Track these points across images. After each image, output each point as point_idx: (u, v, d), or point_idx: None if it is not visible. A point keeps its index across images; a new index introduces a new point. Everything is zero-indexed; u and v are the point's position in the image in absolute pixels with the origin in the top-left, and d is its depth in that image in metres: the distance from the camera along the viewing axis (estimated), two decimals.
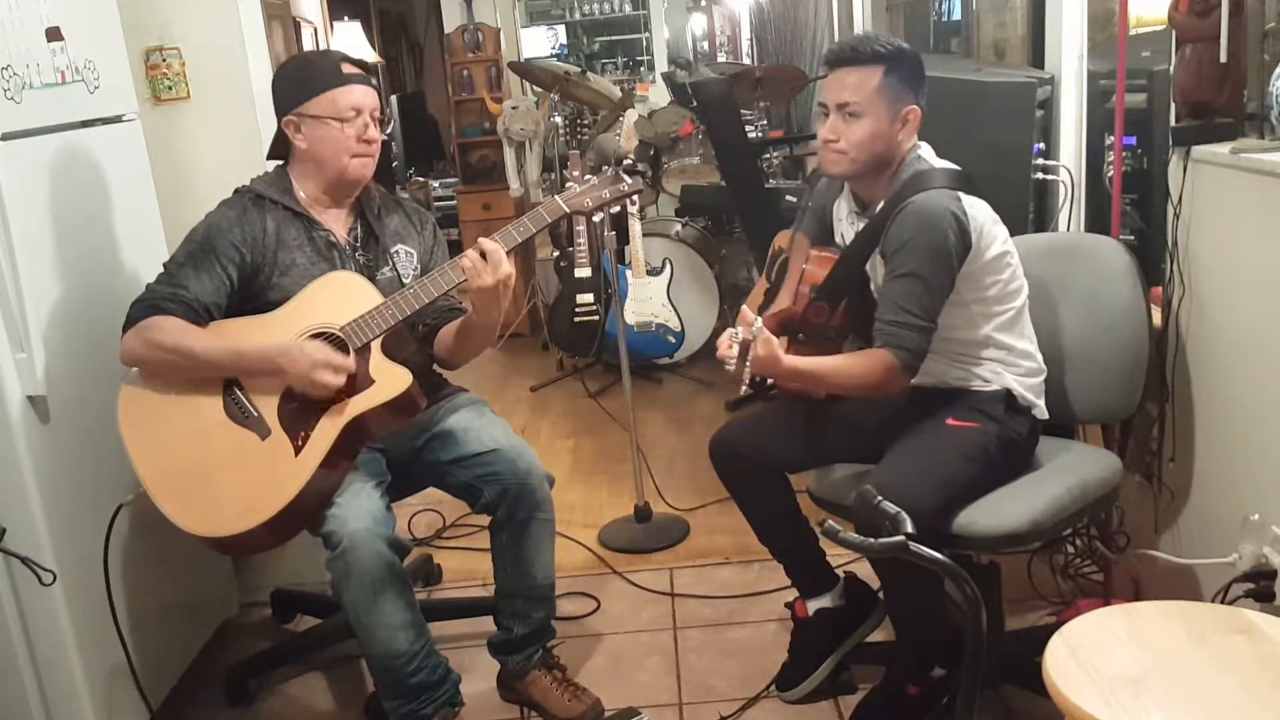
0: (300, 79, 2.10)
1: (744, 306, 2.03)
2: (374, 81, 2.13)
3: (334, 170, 2.09)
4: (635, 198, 2.19)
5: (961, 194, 1.93)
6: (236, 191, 2.13)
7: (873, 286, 2.10)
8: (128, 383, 2.02)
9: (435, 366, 2.28)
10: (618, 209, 2.15)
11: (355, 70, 2.10)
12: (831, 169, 2.04)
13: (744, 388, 1.80)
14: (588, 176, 2.12)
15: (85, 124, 2.17)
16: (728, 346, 1.85)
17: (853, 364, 1.95)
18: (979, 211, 1.94)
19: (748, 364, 1.80)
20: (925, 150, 2.03)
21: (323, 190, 2.14)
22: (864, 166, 2.00)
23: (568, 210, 2.08)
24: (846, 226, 2.13)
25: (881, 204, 2.00)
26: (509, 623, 2.26)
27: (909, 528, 1.49)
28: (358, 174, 2.11)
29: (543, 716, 2.26)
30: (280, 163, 2.19)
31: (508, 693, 2.31)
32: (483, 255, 1.96)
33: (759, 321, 1.79)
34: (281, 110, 2.09)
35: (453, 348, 2.19)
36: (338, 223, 2.16)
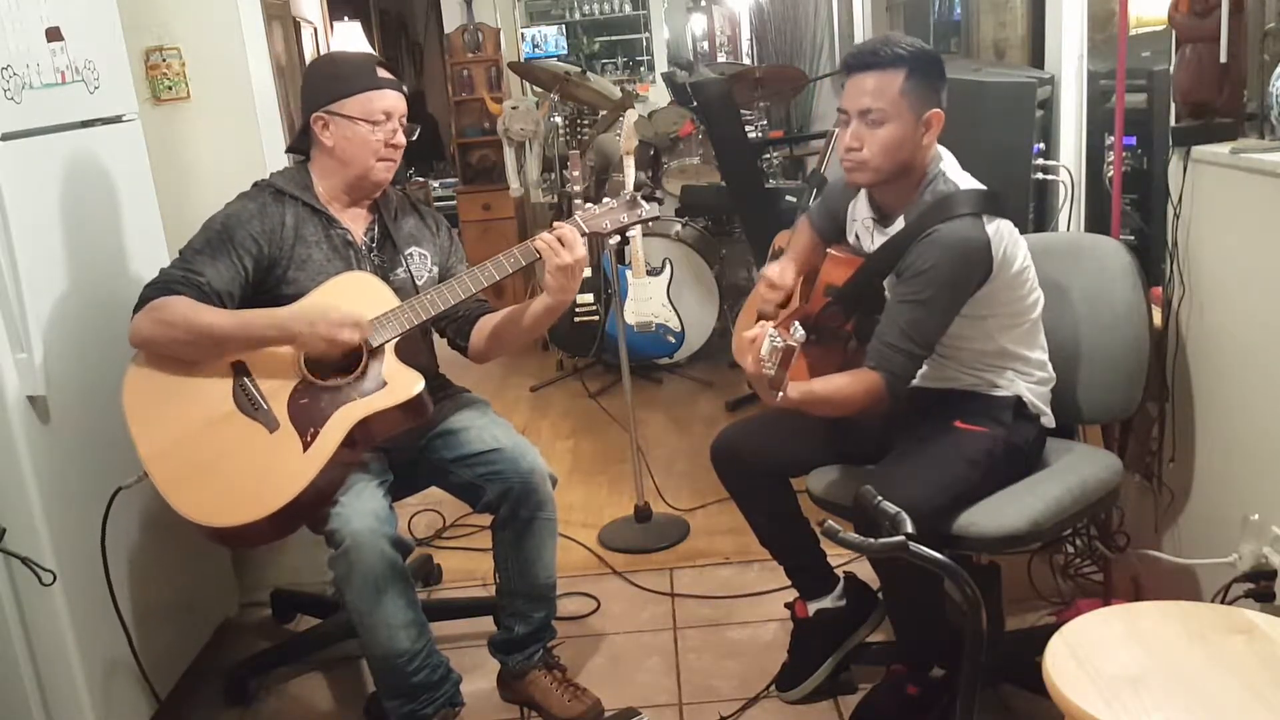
0: (335, 76, 2.11)
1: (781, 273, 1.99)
2: (405, 89, 2.15)
3: (357, 171, 2.11)
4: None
5: (987, 218, 1.89)
6: (256, 185, 2.14)
7: (887, 296, 2.07)
8: (136, 364, 2.01)
9: (464, 357, 2.28)
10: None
11: (389, 75, 2.12)
12: (855, 178, 1.98)
13: (780, 394, 1.72)
14: (606, 200, 2.16)
15: (85, 124, 2.17)
16: (752, 340, 1.74)
17: (843, 388, 1.91)
18: (1003, 234, 1.91)
19: (787, 372, 1.70)
20: (948, 162, 1.99)
21: (342, 190, 2.15)
22: (888, 174, 1.95)
23: (586, 231, 2.10)
24: (862, 230, 2.09)
25: (903, 221, 1.96)
26: (510, 622, 2.26)
27: (909, 528, 1.49)
28: (380, 177, 2.13)
29: (543, 716, 2.25)
30: (299, 158, 2.19)
31: (507, 692, 2.31)
32: (559, 240, 2.02)
33: (800, 329, 1.70)
34: (312, 106, 2.10)
35: (499, 334, 2.19)
36: (355, 222, 2.17)
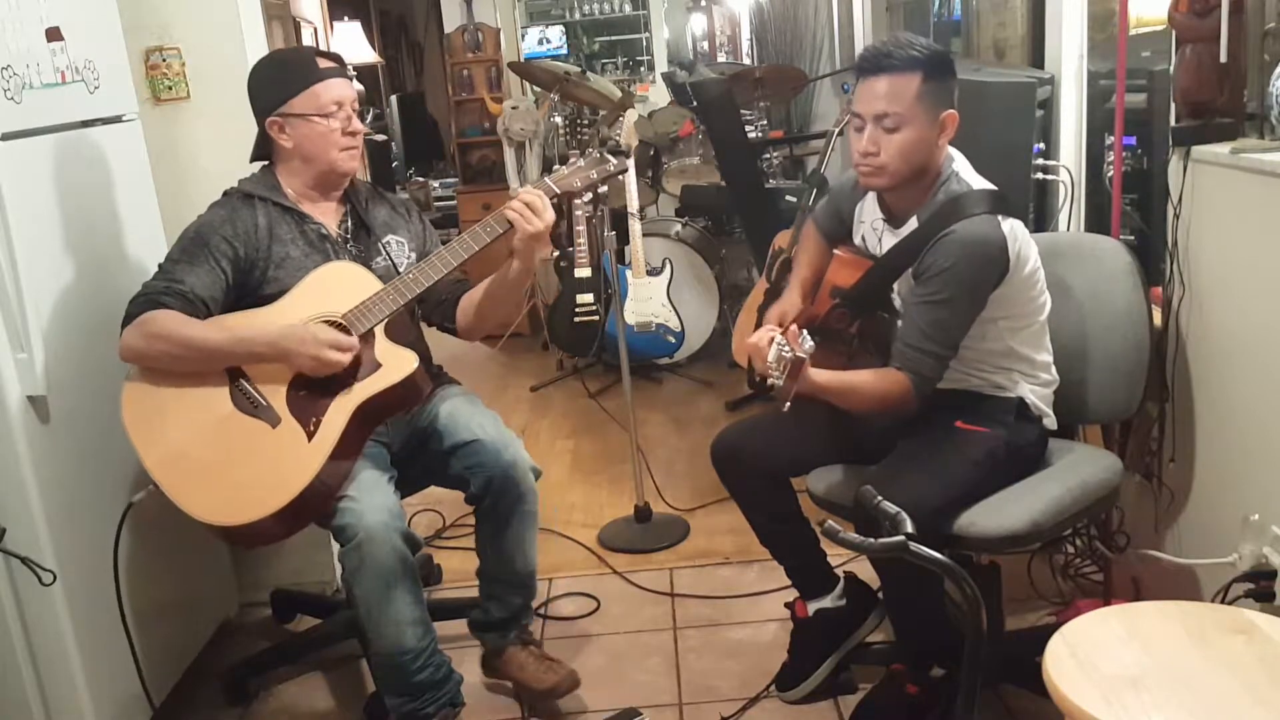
0: (278, 78, 2.11)
1: (783, 313, 1.97)
2: (349, 73, 2.15)
3: (323, 165, 2.11)
4: (624, 176, 2.20)
5: (1001, 218, 1.88)
6: (225, 193, 2.15)
7: (894, 297, 2.06)
8: (131, 380, 2.02)
9: (455, 338, 2.29)
10: (611, 200, 2.17)
11: (331, 64, 2.12)
12: (871, 182, 1.96)
13: (787, 404, 1.71)
14: (573, 160, 2.16)
15: (85, 124, 2.17)
16: (766, 342, 1.72)
17: (870, 382, 1.90)
18: (1017, 234, 1.90)
19: (795, 382, 1.68)
20: (960, 163, 1.97)
21: (310, 186, 2.15)
22: (904, 179, 1.92)
23: (558, 191, 2.11)
24: (869, 231, 2.08)
25: (915, 221, 1.95)
26: (488, 604, 2.29)
27: (909, 528, 1.49)
28: (346, 166, 2.13)
29: (521, 691, 2.28)
30: (264, 163, 2.19)
31: (489, 671, 2.34)
32: (529, 206, 2.02)
33: (809, 340, 1.69)
34: (263, 112, 2.10)
35: (483, 305, 2.20)
36: (328, 215, 2.18)
